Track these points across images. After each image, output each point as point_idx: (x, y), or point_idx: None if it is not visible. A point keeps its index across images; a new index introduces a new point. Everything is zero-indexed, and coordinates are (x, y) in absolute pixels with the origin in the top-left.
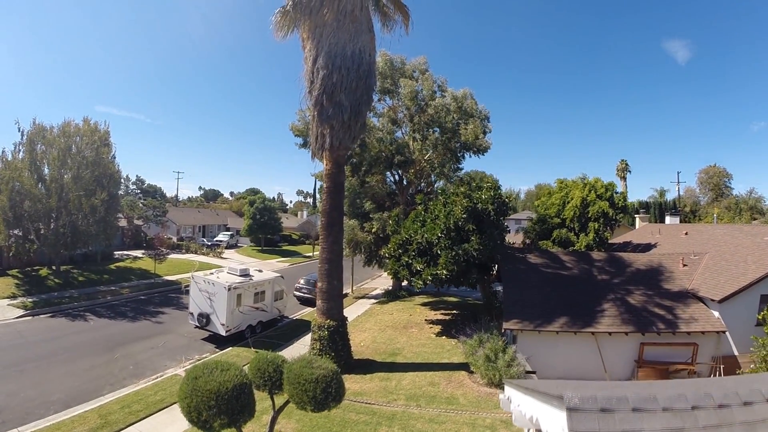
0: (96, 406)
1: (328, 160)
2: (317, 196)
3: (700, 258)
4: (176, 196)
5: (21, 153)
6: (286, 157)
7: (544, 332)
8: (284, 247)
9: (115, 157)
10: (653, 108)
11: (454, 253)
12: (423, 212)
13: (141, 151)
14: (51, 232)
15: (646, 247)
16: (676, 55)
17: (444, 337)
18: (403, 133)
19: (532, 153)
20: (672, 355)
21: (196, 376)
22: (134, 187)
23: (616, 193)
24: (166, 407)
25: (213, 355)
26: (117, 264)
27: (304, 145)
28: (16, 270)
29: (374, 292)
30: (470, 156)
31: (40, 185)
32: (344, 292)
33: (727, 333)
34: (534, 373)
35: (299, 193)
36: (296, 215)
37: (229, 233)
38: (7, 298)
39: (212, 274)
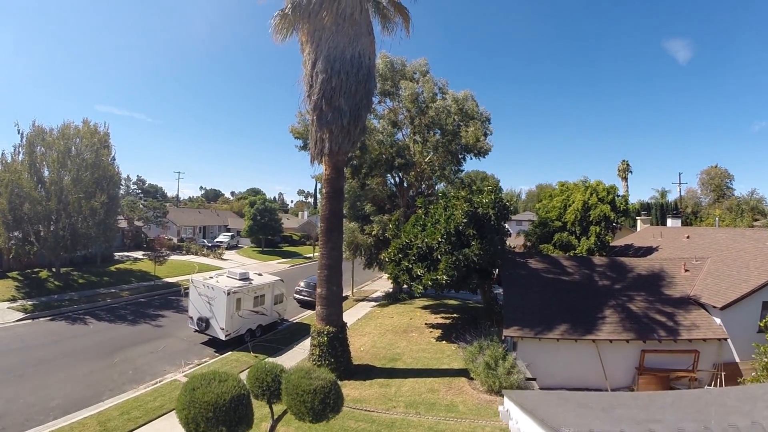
0: (95, 412)
1: (328, 165)
2: (318, 196)
3: (701, 263)
4: (177, 196)
5: (21, 155)
6: (288, 157)
7: (544, 339)
8: (285, 248)
9: (114, 159)
10: (654, 108)
11: (454, 258)
12: (423, 216)
13: (142, 151)
14: (51, 234)
15: (648, 251)
16: (677, 55)
17: (444, 341)
18: (403, 135)
19: (534, 153)
20: (673, 362)
21: (194, 387)
22: (135, 187)
23: (618, 196)
24: (166, 414)
25: (212, 360)
26: (117, 266)
27: (304, 147)
28: (17, 272)
29: (374, 295)
30: (471, 158)
31: (39, 188)
32: (344, 295)
33: (728, 340)
34: (534, 380)
35: (300, 192)
36: (297, 216)
37: (229, 234)
38: (7, 300)
39: (212, 278)
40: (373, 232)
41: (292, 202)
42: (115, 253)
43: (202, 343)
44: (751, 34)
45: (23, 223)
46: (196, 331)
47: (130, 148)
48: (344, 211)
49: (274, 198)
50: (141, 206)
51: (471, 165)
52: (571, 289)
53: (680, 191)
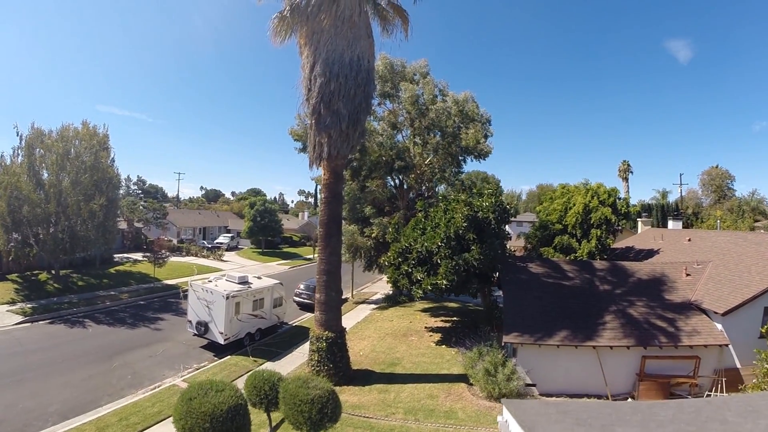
0: (94, 418)
1: (326, 169)
2: (318, 197)
3: (703, 267)
4: (177, 196)
5: (20, 157)
6: (288, 157)
7: (544, 346)
8: (285, 249)
9: (114, 161)
10: (655, 108)
11: (454, 263)
12: (423, 219)
13: (142, 151)
14: (50, 237)
15: (649, 254)
16: (678, 55)
17: (444, 345)
18: (403, 137)
19: (535, 152)
20: (674, 368)
21: (191, 397)
22: (135, 187)
23: (619, 198)
24: (164, 420)
25: (211, 364)
26: (117, 268)
27: (304, 149)
28: (16, 274)
29: (374, 297)
30: (471, 160)
31: (38, 190)
32: (344, 297)
33: (729, 346)
34: (534, 386)
35: (301, 192)
36: (297, 216)
37: (229, 235)
38: (6, 303)
39: (210, 281)
40: (373, 235)
41: (292, 202)
42: (115, 255)
43: (201, 347)
44: (751, 33)
45: (22, 226)
46: (195, 335)
47: (131, 149)
48: (344, 214)
49: (275, 198)
50: (141, 207)
51: (471, 166)
52: (571, 294)
53: (681, 192)
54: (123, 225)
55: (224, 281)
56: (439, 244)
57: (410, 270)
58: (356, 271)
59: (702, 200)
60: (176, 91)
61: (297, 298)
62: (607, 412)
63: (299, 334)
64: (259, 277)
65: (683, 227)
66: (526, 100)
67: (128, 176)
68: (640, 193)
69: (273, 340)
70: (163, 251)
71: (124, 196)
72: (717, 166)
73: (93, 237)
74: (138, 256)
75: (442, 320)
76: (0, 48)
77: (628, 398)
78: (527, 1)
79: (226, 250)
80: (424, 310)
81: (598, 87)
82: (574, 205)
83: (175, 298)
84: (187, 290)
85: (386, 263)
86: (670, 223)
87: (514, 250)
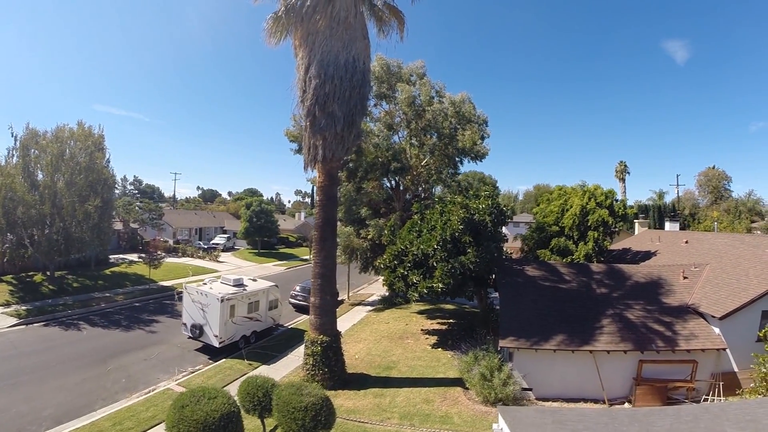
0: (88, 422)
1: (321, 172)
2: (315, 197)
3: (700, 270)
4: (173, 197)
5: (15, 158)
6: (285, 157)
7: (541, 350)
8: (281, 250)
9: (109, 162)
10: (652, 108)
11: (450, 266)
12: (419, 221)
13: (139, 151)
14: (44, 238)
15: (646, 255)
16: (675, 55)
17: (440, 349)
18: (399, 139)
19: (532, 153)
20: (671, 372)
21: (183, 405)
22: (132, 187)
23: (617, 200)
24: (158, 425)
25: (206, 368)
26: (112, 269)
27: (300, 151)
28: (11, 276)
29: (371, 299)
30: (468, 161)
31: (33, 191)
32: (340, 299)
33: (727, 350)
34: (530, 390)
35: (297, 192)
36: (294, 217)
37: (225, 236)
38: (1, 305)
39: (205, 284)
40: (369, 236)
41: (289, 202)
42: (111, 256)
43: (196, 350)
44: (748, 34)
45: (17, 227)
46: (190, 338)
47: (128, 148)
48: (340, 215)
49: (272, 198)
50: (137, 208)
51: (468, 167)
52: (568, 298)
53: (678, 193)
54: (119, 226)
55: (219, 284)
56: (435, 246)
57: (406, 273)
58: (352, 273)
59: (699, 201)
60: (173, 91)
61: (293, 300)
62: (604, 421)
63: (295, 337)
64: (254, 279)
65: (680, 228)
66: (523, 101)
67: (125, 176)
68: (636, 193)
69: (268, 342)
70: (159, 252)
71: (120, 197)
72: (714, 167)
73: (88, 238)
74: (134, 257)
75: (438, 322)
76: None
77: (624, 403)
78: (525, 2)
79: (223, 250)
80: (421, 312)
81: (594, 87)
82: (571, 206)
83: (171, 300)
84: (181, 292)
85: (382, 266)
86: (667, 225)
87: (511, 252)
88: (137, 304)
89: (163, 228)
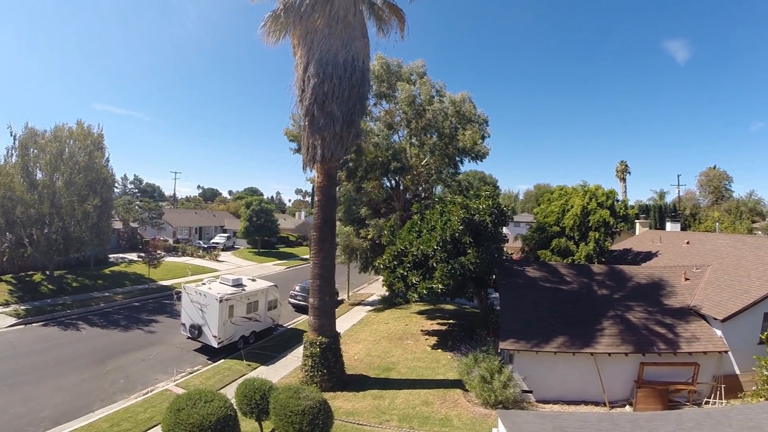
0: (85, 423)
1: (320, 172)
2: (314, 197)
3: (702, 271)
4: (174, 195)
5: (13, 158)
6: (285, 156)
7: (541, 352)
8: (281, 249)
9: (108, 161)
10: (652, 108)
11: (450, 266)
12: (419, 222)
13: (139, 150)
14: (43, 237)
15: (647, 256)
16: (676, 55)
17: (440, 350)
18: (399, 138)
19: (532, 152)
20: (672, 374)
21: (179, 408)
22: (132, 186)
23: (618, 200)
24: (155, 426)
25: (205, 368)
26: (111, 268)
27: (299, 150)
28: (10, 275)
29: (370, 299)
30: (468, 161)
31: (32, 190)
32: (340, 299)
33: (729, 352)
34: (531, 392)
35: (298, 192)
36: (294, 216)
37: (225, 235)
38: (0, 305)
39: (204, 284)
40: (369, 236)
41: (290, 201)
42: (110, 255)
43: (194, 351)
44: (749, 34)
45: (16, 227)
46: (189, 338)
47: (128, 147)
48: (339, 215)
49: (272, 197)
50: (136, 207)
51: (468, 166)
52: (568, 299)
53: (679, 193)
54: (118, 225)
55: (218, 284)
56: (435, 247)
57: (406, 273)
58: (352, 272)
59: (699, 201)
60: (173, 90)
61: (292, 300)
62: (605, 427)
63: (294, 337)
64: (253, 279)
65: (681, 229)
66: (524, 100)
67: (125, 175)
68: (637, 193)
69: (267, 343)
70: (159, 252)
71: (121, 196)
72: (714, 167)
73: (87, 238)
74: (133, 256)
75: (438, 323)
76: None
77: (625, 405)
78: (525, 1)
79: (223, 250)
80: (420, 313)
81: (595, 87)
82: (572, 207)
83: (170, 299)
84: (180, 292)
85: (382, 266)
86: (668, 225)
87: (512, 252)
88: (136, 304)
89: (163, 227)
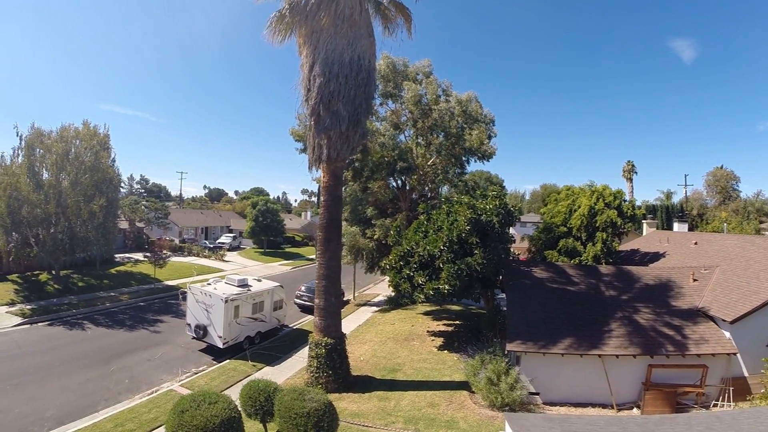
0: (90, 423)
1: (326, 172)
2: (320, 197)
3: (710, 272)
4: (180, 195)
5: (20, 158)
6: (291, 156)
7: (548, 354)
8: (287, 249)
9: (114, 161)
10: (659, 108)
11: (457, 267)
12: (425, 222)
13: (146, 150)
14: (49, 237)
15: (654, 257)
16: (682, 54)
17: (446, 351)
18: (406, 138)
19: (538, 152)
20: (680, 377)
21: (183, 410)
22: (138, 186)
23: (625, 201)
24: (159, 426)
25: (210, 369)
26: (117, 268)
27: (305, 150)
28: (16, 275)
29: (376, 299)
30: (475, 161)
31: (38, 190)
32: (346, 299)
33: (738, 354)
34: (538, 394)
35: (304, 192)
36: (300, 216)
37: (231, 235)
38: (6, 304)
39: (209, 284)
40: (375, 236)
41: (296, 201)
42: (116, 255)
43: (200, 351)
44: (755, 33)
45: (22, 227)
46: (194, 338)
47: (134, 147)
48: (345, 215)
49: (278, 198)
50: (143, 207)
51: (474, 166)
52: (576, 300)
53: (686, 193)
54: (124, 225)
55: (223, 284)
56: (442, 247)
57: (412, 274)
58: (358, 273)
59: (707, 201)
60: (179, 90)
61: (298, 300)
62: (614, 431)
63: (300, 338)
64: (259, 279)
65: (688, 229)
66: (528, 100)
67: (131, 175)
68: (644, 193)
69: (273, 343)
70: (164, 251)
71: (127, 196)
72: (722, 167)
73: (93, 238)
74: (139, 256)
75: (444, 324)
76: (3, 47)
77: (633, 408)
78: (530, 1)
79: (228, 250)
80: (426, 313)
81: (601, 86)
82: (579, 207)
83: (176, 299)
84: (185, 292)
85: (388, 266)
86: (676, 226)
87: (519, 253)
88: (142, 304)
89: (169, 227)
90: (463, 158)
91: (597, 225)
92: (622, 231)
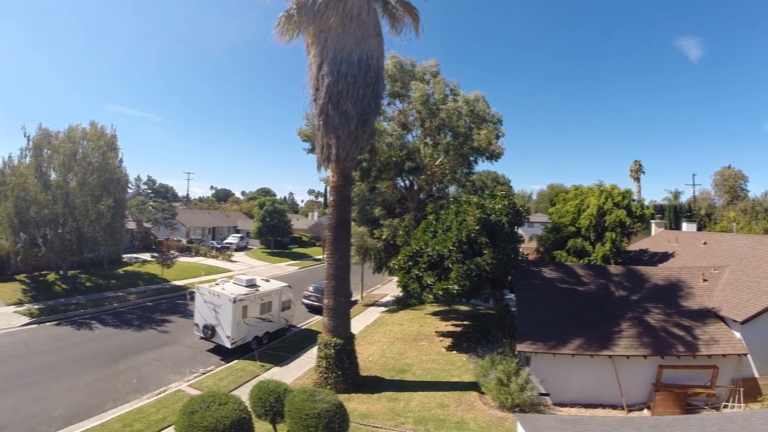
0: (97, 424)
1: (335, 172)
2: (328, 197)
3: (720, 272)
4: (187, 196)
5: (27, 158)
6: (298, 157)
7: (558, 354)
8: (294, 250)
9: (122, 162)
10: (666, 107)
11: (466, 267)
12: (434, 222)
13: (153, 151)
14: (57, 238)
15: (663, 257)
16: (689, 53)
17: (455, 351)
18: (413, 138)
19: (545, 152)
20: (690, 377)
21: (193, 411)
22: (145, 187)
23: (634, 200)
24: (168, 427)
25: (218, 369)
26: (125, 268)
27: (313, 150)
28: (24, 275)
29: (384, 300)
30: (483, 161)
31: (46, 191)
32: (354, 300)
33: (748, 355)
34: (548, 395)
35: (311, 192)
36: (307, 216)
37: (238, 235)
38: (14, 304)
39: (217, 284)
40: (383, 237)
41: (302, 201)
42: (124, 255)
43: (208, 351)
44: (762, 32)
45: (30, 227)
46: (202, 338)
47: (141, 148)
48: (353, 215)
49: (285, 198)
50: (150, 207)
51: (482, 166)
52: (586, 301)
53: (694, 193)
54: (132, 225)
55: (231, 284)
56: (451, 247)
57: (421, 274)
58: (366, 273)
59: (715, 201)
60: (186, 91)
61: (306, 301)
62: None
63: (308, 338)
64: (267, 280)
65: (697, 229)
66: (535, 99)
67: (138, 176)
68: (651, 193)
69: (281, 343)
70: (172, 252)
71: (134, 196)
72: (729, 167)
73: (100, 238)
74: (147, 256)
75: (453, 324)
76: (8, 48)
77: (643, 409)
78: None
79: (236, 250)
80: (435, 314)
81: (608, 86)
82: (588, 207)
83: (183, 299)
84: (193, 292)
85: (396, 266)
86: (684, 225)
87: (527, 253)
88: (149, 304)
89: (177, 227)
90: (471, 158)
91: (606, 225)
92: (631, 231)
